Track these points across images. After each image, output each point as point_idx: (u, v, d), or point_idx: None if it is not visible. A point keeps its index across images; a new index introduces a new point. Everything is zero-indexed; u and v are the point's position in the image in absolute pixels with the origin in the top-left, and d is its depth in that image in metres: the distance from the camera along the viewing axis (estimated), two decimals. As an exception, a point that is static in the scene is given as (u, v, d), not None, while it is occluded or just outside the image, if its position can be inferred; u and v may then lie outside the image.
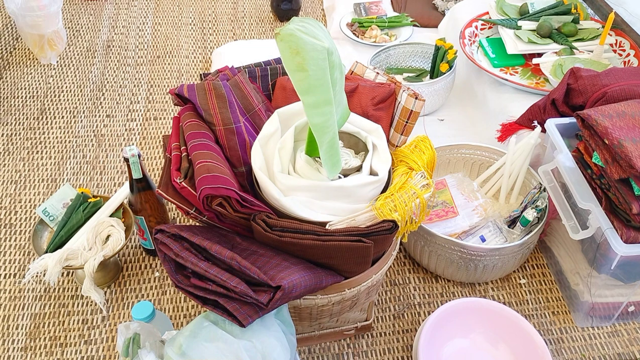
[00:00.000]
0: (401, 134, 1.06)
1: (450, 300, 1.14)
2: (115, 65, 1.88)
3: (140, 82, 1.81)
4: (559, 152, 1.17)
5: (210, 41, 2.01)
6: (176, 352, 0.74)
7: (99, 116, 1.68)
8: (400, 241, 1.31)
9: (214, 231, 0.90)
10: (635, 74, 1.24)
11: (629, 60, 1.60)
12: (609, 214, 1.06)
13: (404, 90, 1.06)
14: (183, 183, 0.87)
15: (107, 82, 1.81)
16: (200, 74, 1.09)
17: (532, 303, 1.24)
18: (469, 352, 1.10)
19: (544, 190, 1.22)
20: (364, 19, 1.97)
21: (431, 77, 1.68)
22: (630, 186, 1.03)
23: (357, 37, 1.92)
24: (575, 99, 1.27)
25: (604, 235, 1.03)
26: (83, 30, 2.02)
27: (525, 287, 1.27)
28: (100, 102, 1.73)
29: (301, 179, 0.90)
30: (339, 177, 0.93)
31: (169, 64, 1.90)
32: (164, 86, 1.80)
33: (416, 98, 1.03)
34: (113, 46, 1.96)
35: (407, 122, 1.05)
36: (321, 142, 0.83)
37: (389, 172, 0.97)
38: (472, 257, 1.18)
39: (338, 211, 0.91)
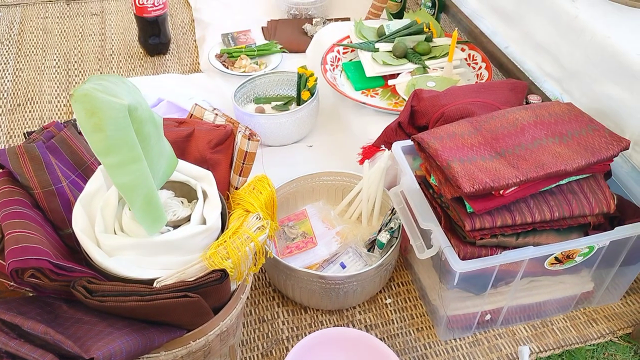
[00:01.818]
0: (239, 176, 1.06)
1: (317, 330, 1.14)
2: (-29, 117, 1.78)
3: (0, 134, 1.73)
4: (404, 174, 1.21)
5: (76, 83, 1.94)
6: None
7: (-49, 175, 1.58)
8: (267, 276, 1.32)
9: (40, 301, 0.86)
10: (470, 92, 1.30)
11: (480, 73, 1.68)
12: (448, 232, 1.10)
13: (239, 131, 1.07)
14: (-7, 257, 0.82)
15: (-38, 136, 1.71)
16: (24, 133, 1.04)
17: (397, 322, 1.27)
18: (334, 383, 1.11)
19: (395, 212, 1.25)
20: (233, 49, 1.97)
21: (298, 104, 1.70)
22: (464, 204, 1.07)
23: (227, 67, 1.92)
24: (419, 120, 1.32)
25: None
26: None
27: (390, 306, 1.29)
28: (-47, 160, 1.63)
29: (124, 237, 0.88)
30: (168, 230, 0.91)
31: (30, 111, 1.82)
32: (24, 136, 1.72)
33: (249, 139, 1.03)
34: (-31, 97, 1.86)
35: (243, 164, 1.05)
36: (132, 201, 0.81)
37: (223, 217, 0.96)
38: (332, 285, 1.19)
39: (171, 265, 0.90)
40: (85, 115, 0.76)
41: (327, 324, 1.26)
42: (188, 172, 0.98)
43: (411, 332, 1.25)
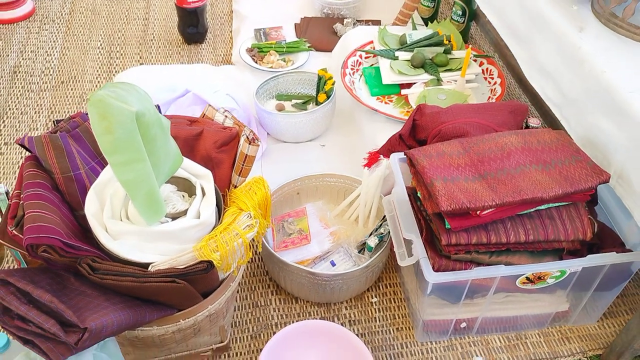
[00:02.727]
0: (239, 175, 1.16)
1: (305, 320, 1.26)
2: (19, 91, 1.94)
3: (42, 109, 1.88)
4: (397, 184, 1.29)
5: (117, 65, 2.08)
6: (-6, 388, 0.84)
7: (-3, 144, 1.76)
8: (264, 265, 1.43)
9: (51, 272, 1.00)
10: (470, 112, 1.36)
11: (495, 89, 1.73)
12: (427, 244, 1.18)
13: (243, 135, 1.17)
14: (14, 231, 0.96)
15: (9, 109, 1.88)
16: (53, 121, 1.17)
17: (379, 320, 1.36)
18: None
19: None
20: (263, 44, 2.07)
21: (316, 105, 1.79)
22: (443, 220, 1.15)
23: (256, 62, 2.02)
24: (419, 134, 1.39)
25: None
26: (-9, 56, 2.08)
27: (376, 305, 1.39)
28: (0, 130, 1.80)
29: (128, 224, 1.00)
30: (167, 220, 1.03)
31: (72, 89, 1.97)
32: (65, 112, 1.88)
33: (250, 143, 1.14)
34: (19, 72, 2.02)
35: (243, 165, 1.15)
36: (134, 196, 0.93)
37: (218, 214, 1.08)
38: (320, 281, 1.29)
39: (166, 252, 1.01)
40: (98, 118, 0.87)
41: (314, 315, 1.36)
42: (191, 169, 1.10)
43: (391, 330, 1.34)
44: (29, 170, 1.03)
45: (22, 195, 1.01)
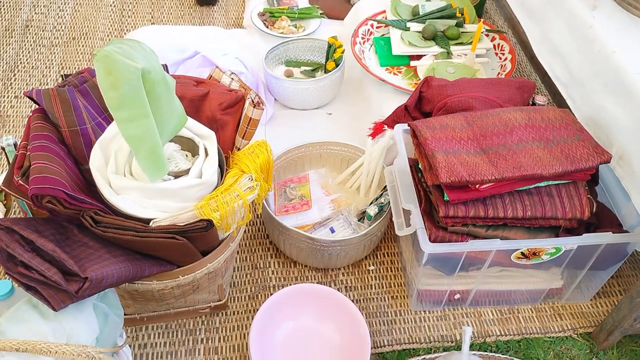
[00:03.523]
0: (242, 138, 1.17)
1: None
2: (31, 45, 1.95)
3: (52, 64, 1.89)
4: (399, 155, 1.30)
5: (128, 23, 2.08)
6: (-4, 331, 0.87)
7: (7, 97, 1.77)
8: (265, 229, 1.45)
9: (55, 222, 1.02)
10: (477, 87, 1.36)
11: (504, 65, 1.72)
12: (425, 215, 1.19)
13: (249, 98, 1.18)
14: (20, 181, 0.98)
15: (21, 62, 1.89)
16: (62, 75, 1.19)
17: (375, 288, 1.39)
18: (300, 328, 1.25)
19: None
20: (275, 9, 2.06)
21: (324, 73, 1.79)
22: (442, 192, 1.16)
23: (267, 27, 2.01)
24: (425, 106, 1.40)
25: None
26: (4, 9, 2.08)
27: (372, 273, 1.41)
28: (11, 83, 1.82)
29: (131, 180, 1.02)
30: (170, 179, 1.05)
31: (82, 45, 1.97)
32: (75, 68, 1.89)
33: (255, 107, 1.14)
34: (31, 26, 2.03)
35: (247, 128, 1.16)
36: (137, 151, 0.95)
37: (220, 174, 1.09)
38: (318, 246, 1.31)
39: (167, 209, 1.03)
40: (104, 73, 0.88)
41: (312, 280, 1.39)
42: (195, 130, 1.11)
43: (386, 298, 1.37)
44: (36, 122, 1.05)
45: (28, 147, 1.02)
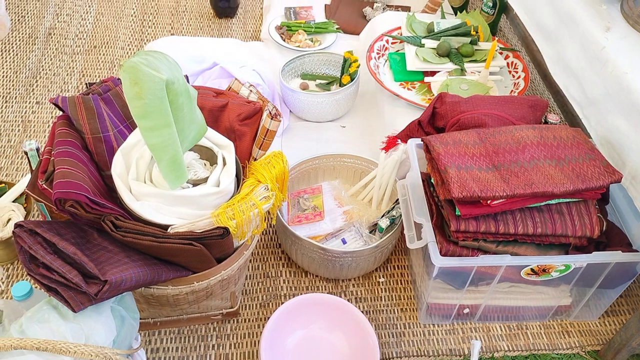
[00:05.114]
0: (259, 149, 1.20)
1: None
2: (53, 52, 2.00)
3: (74, 71, 1.94)
4: (412, 169, 1.32)
5: (148, 34, 2.13)
6: (17, 330, 0.90)
7: (29, 102, 1.82)
8: (278, 238, 1.47)
9: (76, 226, 1.05)
10: (490, 104, 1.38)
11: (518, 82, 1.74)
12: (436, 229, 1.21)
13: (266, 110, 1.21)
14: (44, 185, 1.01)
15: (43, 69, 1.94)
16: (86, 83, 1.22)
17: (385, 300, 1.40)
18: (310, 337, 1.27)
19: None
20: (292, 22, 2.10)
21: (339, 86, 1.82)
22: (454, 207, 1.18)
23: (284, 40, 2.05)
24: (438, 122, 1.42)
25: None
26: (28, 17, 2.13)
27: (382, 285, 1.43)
28: (33, 89, 1.86)
29: (151, 187, 1.05)
30: (188, 186, 1.07)
31: (104, 54, 2.02)
32: (95, 76, 1.93)
33: (272, 118, 1.17)
34: (54, 34, 2.08)
35: (264, 139, 1.19)
36: (160, 159, 0.97)
37: (236, 183, 1.12)
38: (330, 257, 1.33)
39: (185, 216, 1.06)
40: (130, 83, 0.92)
41: (322, 290, 1.41)
42: (214, 139, 1.14)
43: (396, 310, 1.38)
44: (60, 128, 1.08)
45: (53, 152, 1.06)
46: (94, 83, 1.21)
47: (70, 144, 1.06)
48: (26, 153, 1.28)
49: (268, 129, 1.18)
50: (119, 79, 1.23)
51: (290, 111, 1.81)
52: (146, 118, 0.94)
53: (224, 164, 1.12)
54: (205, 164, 1.13)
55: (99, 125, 1.10)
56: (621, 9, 1.38)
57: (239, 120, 1.21)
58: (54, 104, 1.11)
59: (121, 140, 1.14)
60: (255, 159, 1.21)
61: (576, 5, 1.40)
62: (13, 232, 0.98)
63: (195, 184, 1.09)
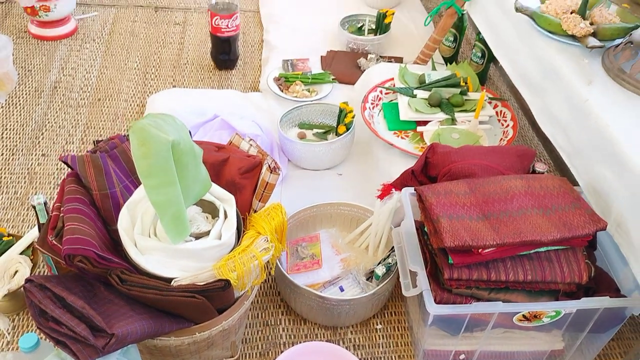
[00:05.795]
0: (259, 201, 1.25)
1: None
2: (58, 106, 2.07)
3: (78, 124, 2.00)
4: (406, 217, 1.37)
5: (150, 86, 2.21)
6: (26, 382, 0.93)
7: (35, 155, 1.87)
8: (277, 286, 1.51)
9: (83, 279, 1.09)
10: (479, 154, 1.44)
11: (507, 131, 1.81)
12: (430, 277, 1.25)
13: (266, 163, 1.26)
14: (53, 241, 1.06)
15: (48, 121, 2.00)
16: (94, 141, 1.28)
17: (383, 347, 1.43)
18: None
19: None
20: (290, 74, 2.18)
21: (336, 135, 1.88)
22: (447, 255, 1.22)
23: (282, 91, 2.13)
24: (431, 171, 1.47)
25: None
26: (35, 71, 2.22)
27: (380, 332, 1.46)
28: (39, 141, 1.92)
29: (155, 241, 1.10)
30: (191, 240, 1.12)
31: (107, 106, 2.09)
32: (99, 128, 1.99)
33: (271, 172, 1.23)
34: (59, 87, 2.15)
35: (264, 192, 1.24)
36: (162, 216, 1.02)
37: (237, 236, 1.17)
38: (328, 305, 1.37)
39: (188, 268, 1.10)
40: (138, 144, 0.97)
41: (321, 337, 1.44)
42: (216, 193, 1.19)
43: (393, 357, 1.41)
44: (70, 186, 1.13)
45: (62, 208, 1.11)
46: (101, 140, 1.27)
47: (78, 200, 1.11)
48: (34, 207, 1.33)
49: (267, 182, 1.23)
50: (124, 136, 1.29)
51: (288, 160, 1.87)
52: (151, 177, 0.99)
53: (225, 217, 1.17)
54: (207, 217, 1.18)
55: (106, 181, 1.15)
56: (602, 63, 1.46)
57: (239, 174, 1.27)
58: (64, 162, 1.17)
59: (126, 195, 1.19)
60: (255, 211, 1.26)
61: (559, 60, 1.48)
62: (24, 287, 1.02)
63: (198, 237, 1.14)
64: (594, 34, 1.48)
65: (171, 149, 1.00)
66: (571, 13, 1.53)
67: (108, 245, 1.12)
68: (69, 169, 1.19)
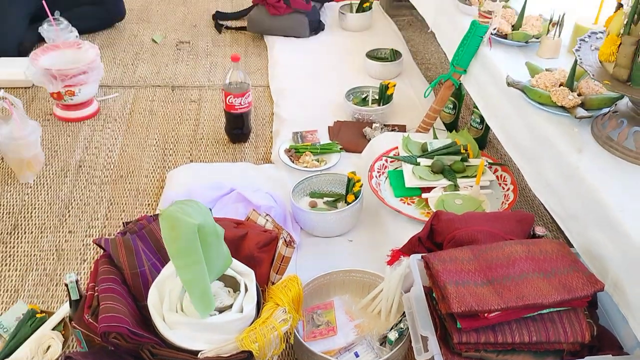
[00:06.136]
0: (276, 274, 1.35)
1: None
2: (83, 184, 2.20)
3: (102, 200, 2.12)
4: (415, 283, 1.45)
5: (169, 161, 2.34)
6: None
7: (62, 232, 1.99)
8: (294, 353, 1.58)
9: (115, 354, 1.18)
10: (481, 220, 1.54)
11: (507, 194, 1.91)
12: (441, 341, 1.32)
13: (282, 237, 1.36)
14: (90, 319, 1.15)
15: (74, 199, 2.13)
16: (123, 223, 1.39)
17: (399, 410, 1.48)
18: None
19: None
20: (300, 145, 2.31)
21: (345, 203, 1.99)
22: (455, 320, 1.30)
23: (293, 161, 2.25)
24: (436, 238, 1.56)
25: (435, 358, 1.29)
26: (60, 151, 2.36)
27: (395, 395, 1.51)
28: (66, 219, 2.04)
29: (183, 316, 1.19)
30: (215, 314, 1.21)
31: (129, 183, 2.22)
32: (122, 204, 2.11)
33: (287, 246, 1.33)
34: (84, 166, 2.29)
35: (280, 264, 1.34)
36: (192, 293, 1.12)
37: (257, 308, 1.25)
38: (344, 370, 1.43)
39: (213, 341, 1.19)
40: (168, 228, 1.08)
41: (339, 402, 1.49)
42: (236, 268, 1.29)
43: (409, 420, 1.46)
44: (103, 266, 1.24)
45: (97, 288, 1.21)
46: (130, 222, 1.38)
47: (112, 280, 1.21)
48: (67, 285, 1.43)
49: (284, 256, 1.33)
50: (151, 216, 1.40)
51: (301, 228, 1.96)
52: (180, 257, 1.09)
53: (246, 290, 1.26)
54: (229, 291, 1.27)
55: (136, 261, 1.25)
56: (591, 131, 1.57)
57: (257, 248, 1.36)
58: (98, 245, 1.27)
59: (154, 272, 1.29)
60: (273, 283, 1.35)
61: (550, 130, 1.59)
62: (62, 363, 1.11)
63: (221, 310, 1.22)
64: (582, 105, 1.59)
65: (197, 232, 1.10)
66: (560, 86, 1.65)
67: (138, 321, 1.21)
68: (102, 250, 1.29)
